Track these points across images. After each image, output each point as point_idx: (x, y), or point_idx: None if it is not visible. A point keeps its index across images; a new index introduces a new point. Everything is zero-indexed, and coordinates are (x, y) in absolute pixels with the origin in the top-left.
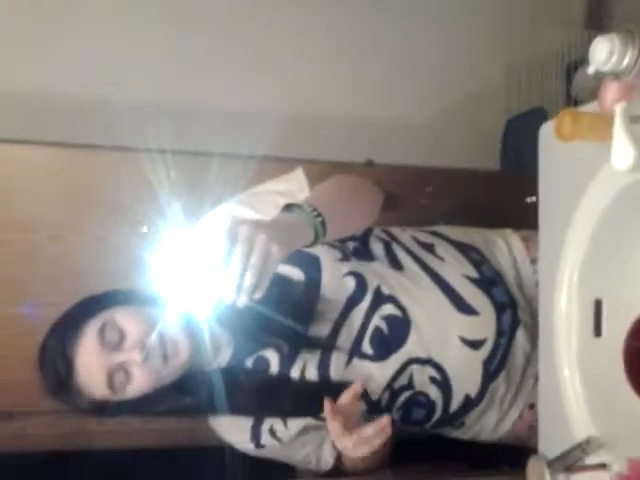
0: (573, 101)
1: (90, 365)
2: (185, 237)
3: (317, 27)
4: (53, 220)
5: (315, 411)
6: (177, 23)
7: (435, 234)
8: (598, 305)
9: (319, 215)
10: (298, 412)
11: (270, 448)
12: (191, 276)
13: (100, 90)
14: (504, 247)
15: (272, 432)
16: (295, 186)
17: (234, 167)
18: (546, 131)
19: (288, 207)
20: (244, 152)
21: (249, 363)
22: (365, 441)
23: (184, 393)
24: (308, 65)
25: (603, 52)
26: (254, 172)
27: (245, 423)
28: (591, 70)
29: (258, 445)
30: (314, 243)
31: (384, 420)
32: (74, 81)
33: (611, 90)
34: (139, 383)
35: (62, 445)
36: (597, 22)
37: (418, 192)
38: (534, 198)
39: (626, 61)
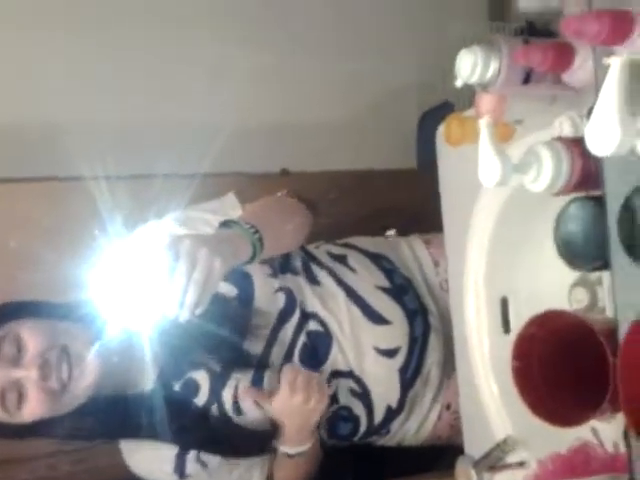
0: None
1: None
2: (120, 252)
3: (227, 44)
4: None
5: (255, 450)
6: (100, 40)
7: (347, 245)
8: (505, 303)
9: (257, 232)
10: (237, 454)
11: (196, 477)
12: (124, 291)
13: (25, 117)
14: (409, 252)
15: (198, 459)
16: (227, 204)
17: (152, 188)
18: (441, 133)
19: (225, 224)
20: (157, 172)
21: (177, 387)
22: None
23: (95, 418)
24: (215, 80)
25: (467, 65)
26: (168, 191)
27: (168, 453)
28: (459, 83)
29: (183, 475)
30: (252, 259)
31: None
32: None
33: (484, 101)
34: (33, 406)
35: None
36: (499, 14)
37: (333, 198)
38: (392, 232)
39: (490, 72)
